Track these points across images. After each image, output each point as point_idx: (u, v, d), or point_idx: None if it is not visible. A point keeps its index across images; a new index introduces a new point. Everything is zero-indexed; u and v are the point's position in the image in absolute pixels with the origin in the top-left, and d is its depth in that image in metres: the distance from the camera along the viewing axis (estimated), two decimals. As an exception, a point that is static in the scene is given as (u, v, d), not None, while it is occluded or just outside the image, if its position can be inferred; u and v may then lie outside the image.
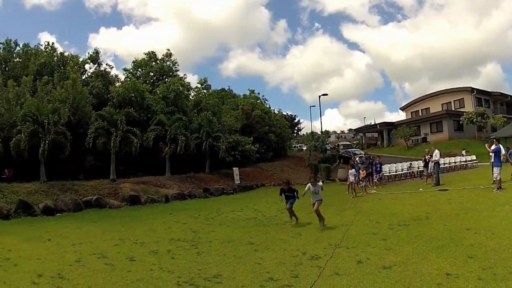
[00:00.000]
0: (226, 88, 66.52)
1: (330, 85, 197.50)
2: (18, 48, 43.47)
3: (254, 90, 65.74)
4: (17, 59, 42.23)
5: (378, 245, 11.17)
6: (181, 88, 44.05)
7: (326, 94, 75.90)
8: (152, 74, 47.50)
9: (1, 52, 42.54)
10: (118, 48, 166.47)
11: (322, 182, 26.89)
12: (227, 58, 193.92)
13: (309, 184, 15.80)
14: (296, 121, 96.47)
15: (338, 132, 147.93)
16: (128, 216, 21.71)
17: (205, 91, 52.21)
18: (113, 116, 32.86)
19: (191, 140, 37.97)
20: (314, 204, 15.45)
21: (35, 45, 45.19)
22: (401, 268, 8.88)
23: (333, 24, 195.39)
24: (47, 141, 27.46)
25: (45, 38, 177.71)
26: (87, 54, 48.39)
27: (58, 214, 22.23)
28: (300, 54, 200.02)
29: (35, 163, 27.71)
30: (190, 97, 48.33)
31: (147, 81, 45.94)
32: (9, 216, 20.43)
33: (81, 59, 46.00)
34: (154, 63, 48.24)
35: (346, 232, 13.61)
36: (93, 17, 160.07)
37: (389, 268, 8.92)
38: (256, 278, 8.88)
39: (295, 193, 16.90)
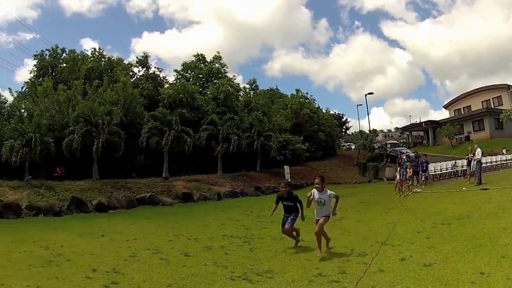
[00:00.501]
0: (273, 88, 66.25)
1: (374, 83, 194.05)
2: (64, 54, 45.03)
3: (299, 90, 65.50)
4: (64, 64, 43.57)
5: (421, 243, 11.08)
6: (230, 89, 43.88)
7: (372, 93, 74.70)
8: (201, 75, 47.74)
9: (48, 58, 44.23)
10: (162, 51, 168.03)
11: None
12: (272, 58, 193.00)
13: (314, 189, 10.85)
14: (344, 120, 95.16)
15: (385, 131, 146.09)
16: (181, 213, 21.72)
17: (253, 91, 52.29)
18: (166, 116, 33.11)
19: (243, 139, 37.75)
20: (317, 221, 10.71)
21: (81, 51, 46.88)
22: (440, 266, 8.79)
23: (372, 21, 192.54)
24: (101, 141, 27.85)
25: (88, 44, 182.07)
26: (135, 58, 49.53)
27: (110, 211, 22.31)
28: (343, 53, 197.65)
29: (86, 162, 28.02)
30: (240, 97, 48.08)
31: (197, 83, 46.16)
32: (61, 212, 20.58)
33: (126, 62, 47.15)
34: (203, 65, 48.41)
35: (392, 230, 13.50)
36: (135, 22, 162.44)
37: (429, 265, 8.84)
38: (306, 274, 8.83)
39: (298, 204, 11.79)
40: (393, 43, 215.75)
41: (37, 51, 45.12)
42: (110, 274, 9.04)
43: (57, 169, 28.07)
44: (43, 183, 24.43)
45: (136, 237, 13.83)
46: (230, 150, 36.05)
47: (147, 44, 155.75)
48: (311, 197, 10.72)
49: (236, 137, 36.51)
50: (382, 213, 17.78)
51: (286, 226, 11.62)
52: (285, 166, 40.24)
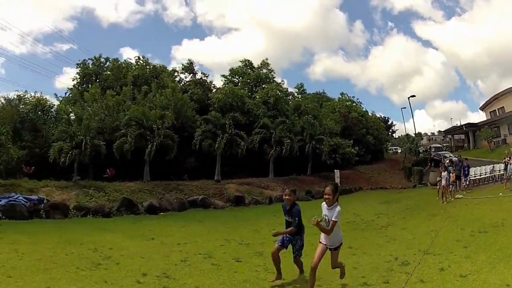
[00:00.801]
0: (320, 91, 65.06)
1: (413, 85, 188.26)
2: (108, 63, 47.02)
3: (345, 93, 64.48)
4: (108, 72, 45.43)
5: (459, 253, 10.93)
6: (279, 93, 43.77)
7: (414, 96, 73.94)
8: (249, 81, 47.71)
9: (91, 66, 46.27)
10: (203, 58, 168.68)
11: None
12: (313, 62, 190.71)
13: (323, 202, 8.00)
14: (389, 123, 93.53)
15: (429, 134, 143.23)
16: (232, 217, 21.57)
17: (300, 95, 52.16)
18: (220, 120, 33.15)
19: (295, 143, 37.43)
20: (323, 248, 8.03)
21: (124, 60, 48.28)
22: (474, 277, 8.73)
23: (404, 22, 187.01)
24: (155, 144, 28.04)
25: (127, 52, 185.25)
26: (176, 65, 50.73)
27: (161, 213, 22.06)
28: (381, 55, 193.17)
29: (136, 164, 28.16)
30: (289, 101, 47.75)
31: (245, 88, 46.09)
32: (110, 214, 20.42)
33: (170, 69, 48.20)
34: (250, 70, 48.62)
35: (434, 238, 13.37)
36: (174, 30, 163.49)
37: (464, 276, 8.78)
38: (352, 283, 8.83)
39: (297, 219, 9.12)
40: (426, 43, 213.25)
41: (79, 60, 48.27)
42: (161, 279, 8.82)
43: (107, 170, 28.05)
44: (92, 184, 24.67)
45: (187, 241, 13.58)
46: (283, 154, 35.78)
47: (188, 51, 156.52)
48: (316, 219, 7.62)
49: (288, 141, 36.20)
50: (426, 220, 17.78)
51: (277, 243, 9.09)
52: (335, 170, 39.79)
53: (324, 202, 7.90)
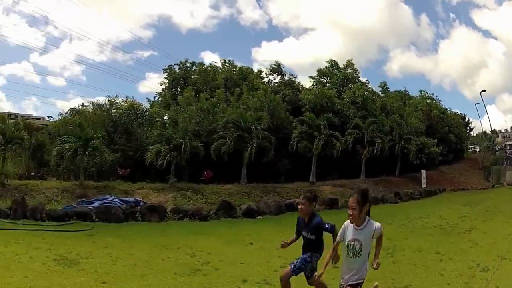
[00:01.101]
0: (400, 90, 63.04)
1: (481, 79, 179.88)
2: (194, 67, 48.85)
3: (424, 90, 63.33)
4: (196, 76, 46.48)
5: None
6: (366, 93, 43.31)
7: (485, 90, 68.85)
8: (336, 81, 47.03)
9: (178, 71, 48.05)
10: (282, 59, 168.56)
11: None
12: (389, 59, 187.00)
13: (347, 221, 5.54)
14: (466, 120, 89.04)
15: (503, 130, 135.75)
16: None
17: (384, 94, 51.53)
18: (314, 121, 32.67)
19: (385, 143, 36.92)
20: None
21: (209, 63, 49.84)
22: None
23: (464, 12, 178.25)
24: (254, 146, 27.95)
25: (208, 56, 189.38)
26: (258, 67, 53.27)
27: (258, 217, 21.64)
28: (448, 48, 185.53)
29: (231, 166, 28.15)
30: (375, 101, 46.79)
31: (333, 88, 45.40)
32: (207, 217, 20.11)
33: (255, 71, 48.66)
34: (336, 70, 48.04)
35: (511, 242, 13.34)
36: (251, 33, 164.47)
37: None
38: None
39: (318, 235, 6.94)
40: (486, 33, 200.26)
41: (165, 66, 49.53)
42: (262, 286, 8.71)
43: (204, 172, 28.25)
44: (190, 186, 24.68)
45: None
46: (374, 154, 35.37)
47: (267, 53, 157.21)
48: (342, 234, 5.57)
49: (379, 141, 35.77)
50: (504, 223, 18.01)
51: (290, 267, 7.13)
52: (422, 171, 39.16)
53: (348, 221, 5.43)
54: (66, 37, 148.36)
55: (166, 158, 25.61)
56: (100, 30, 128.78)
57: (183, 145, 25.76)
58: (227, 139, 27.83)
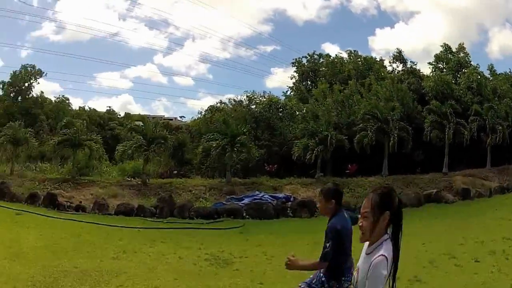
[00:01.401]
0: (507, 72, 59.91)
1: None
2: (321, 59, 48.57)
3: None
4: (323, 68, 46.37)
5: None
6: (479, 77, 41.25)
7: None
8: (452, 66, 44.89)
9: (306, 64, 47.90)
10: (398, 46, 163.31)
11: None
12: (489, 40, 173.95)
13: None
14: None
15: None
16: (462, 212, 20.49)
17: (492, 77, 49.00)
18: (441, 109, 31.83)
19: (505, 129, 34.57)
20: None
21: (335, 54, 48.91)
22: None
23: None
24: (395, 136, 27.65)
25: (328, 48, 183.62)
26: (376, 55, 52.32)
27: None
28: None
29: (372, 158, 28.05)
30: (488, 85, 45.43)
31: (449, 74, 43.36)
32: (354, 211, 19.60)
33: (378, 59, 47.80)
34: (450, 55, 46.08)
35: None
36: (363, 21, 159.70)
37: None
38: None
39: (330, 243, 4.88)
40: None
41: (293, 59, 49.58)
42: (413, 283, 8.76)
43: (349, 165, 27.90)
44: (335, 180, 23.36)
45: (430, 240, 13.16)
46: (497, 141, 33.44)
47: (382, 40, 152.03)
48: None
49: (500, 127, 33.78)
50: None
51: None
52: None
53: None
54: (189, 37, 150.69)
55: (314, 152, 25.91)
56: (220, 27, 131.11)
57: (329, 138, 25.93)
58: (368, 131, 27.75)
